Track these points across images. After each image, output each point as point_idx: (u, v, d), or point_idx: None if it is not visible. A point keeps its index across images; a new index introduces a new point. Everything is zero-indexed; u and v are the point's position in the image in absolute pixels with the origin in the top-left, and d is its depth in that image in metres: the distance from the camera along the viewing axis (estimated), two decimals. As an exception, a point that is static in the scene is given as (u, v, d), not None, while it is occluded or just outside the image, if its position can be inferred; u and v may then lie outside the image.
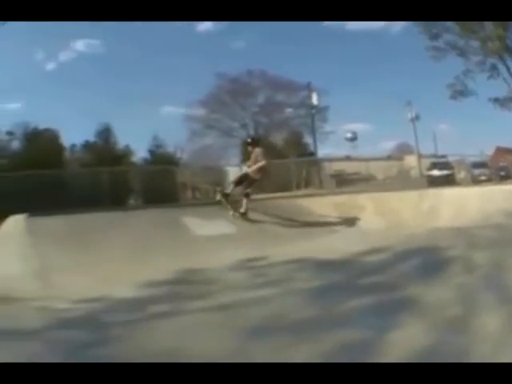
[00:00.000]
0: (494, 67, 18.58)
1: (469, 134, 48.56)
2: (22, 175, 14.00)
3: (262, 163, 8.54)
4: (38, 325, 3.58)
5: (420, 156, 22.00)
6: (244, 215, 8.42)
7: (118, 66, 42.59)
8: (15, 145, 31.60)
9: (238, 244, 7.01)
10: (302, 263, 5.71)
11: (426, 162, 22.04)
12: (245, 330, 3.22)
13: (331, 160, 19.91)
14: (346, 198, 10.36)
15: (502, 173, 21.48)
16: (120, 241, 6.72)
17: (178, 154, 35.00)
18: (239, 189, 8.78)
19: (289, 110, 35.69)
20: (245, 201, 8.55)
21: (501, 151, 28.45)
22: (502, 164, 23.42)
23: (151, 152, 34.71)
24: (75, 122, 41.16)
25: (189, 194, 20.96)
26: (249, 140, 9.92)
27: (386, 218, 8.43)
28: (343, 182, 19.24)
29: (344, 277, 4.78)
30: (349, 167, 21.56)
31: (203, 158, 32.65)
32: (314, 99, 30.26)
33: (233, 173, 21.72)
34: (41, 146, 28.97)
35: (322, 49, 43.57)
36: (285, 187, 15.69)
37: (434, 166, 21.51)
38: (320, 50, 44.29)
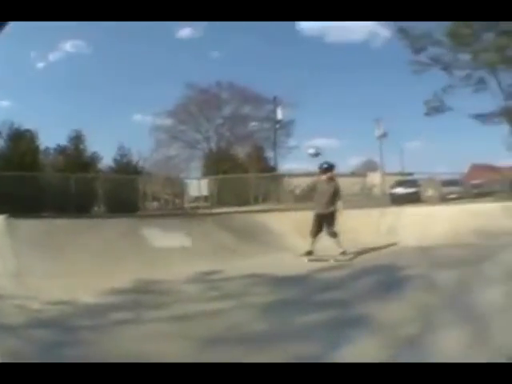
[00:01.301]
0: (481, 81, 18.18)
1: (442, 151, 46.86)
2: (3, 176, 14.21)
3: (340, 201, 8.11)
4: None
5: (384, 173, 22.15)
6: (344, 253, 7.78)
7: (92, 71, 39.88)
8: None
9: (193, 256, 7.68)
10: (256, 278, 6.18)
11: (391, 180, 22.06)
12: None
13: (290, 175, 19.95)
14: (305, 214, 9.81)
15: (476, 190, 20.71)
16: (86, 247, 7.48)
17: (141, 164, 33.80)
18: (320, 234, 8.09)
19: (253, 124, 35.11)
20: (335, 240, 7.95)
21: (477, 168, 27.38)
22: (475, 181, 22.68)
23: (116, 160, 33.44)
24: (51, 124, 39.31)
25: (149, 204, 21.49)
26: (325, 166, 8.43)
27: (345, 236, 8.12)
28: (303, 197, 19.13)
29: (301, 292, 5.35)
30: (310, 183, 21.58)
31: (166, 168, 32.13)
32: (279, 114, 30.46)
33: (192, 185, 21.35)
34: (19, 147, 28.26)
35: (296, 62, 42.80)
36: (246, 201, 15.62)
37: (399, 183, 21.43)
38: (293, 63, 43.59)
